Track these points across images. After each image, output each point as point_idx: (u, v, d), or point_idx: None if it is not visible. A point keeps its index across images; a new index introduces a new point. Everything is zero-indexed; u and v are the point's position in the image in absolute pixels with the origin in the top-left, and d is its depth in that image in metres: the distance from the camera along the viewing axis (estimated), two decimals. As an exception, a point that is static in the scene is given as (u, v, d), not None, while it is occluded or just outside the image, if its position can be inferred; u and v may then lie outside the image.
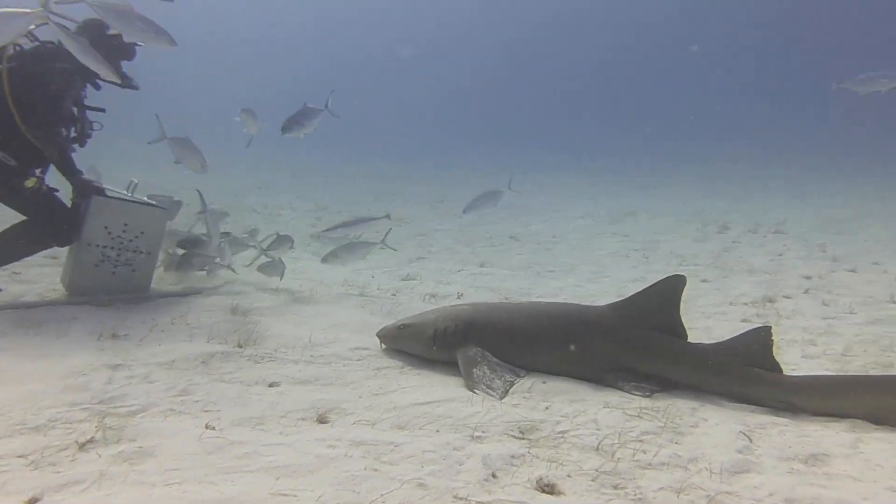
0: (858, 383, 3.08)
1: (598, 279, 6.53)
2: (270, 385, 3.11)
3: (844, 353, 4.18)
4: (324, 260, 5.28)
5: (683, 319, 5.00)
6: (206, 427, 2.52)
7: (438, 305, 4.82)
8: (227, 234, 5.48)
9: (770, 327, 3.31)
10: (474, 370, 3.29)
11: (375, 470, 2.31)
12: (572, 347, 3.47)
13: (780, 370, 3.28)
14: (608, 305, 3.63)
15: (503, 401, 3.13)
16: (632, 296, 3.55)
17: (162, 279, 5.18)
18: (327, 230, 5.73)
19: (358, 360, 3.58)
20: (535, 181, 18.48)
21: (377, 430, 2.67)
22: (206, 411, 2.69)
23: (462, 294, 5.50)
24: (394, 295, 5.39)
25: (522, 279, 6.31)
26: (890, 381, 3.05)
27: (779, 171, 19.21)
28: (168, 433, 2.46)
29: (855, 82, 8.97)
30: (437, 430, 2.72)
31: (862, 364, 3.97)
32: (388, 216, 5.74)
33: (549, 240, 8.93)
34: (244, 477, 2.17)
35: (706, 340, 4.47)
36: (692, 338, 4.62)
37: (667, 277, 3.46)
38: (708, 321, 5.07)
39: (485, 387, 3.20)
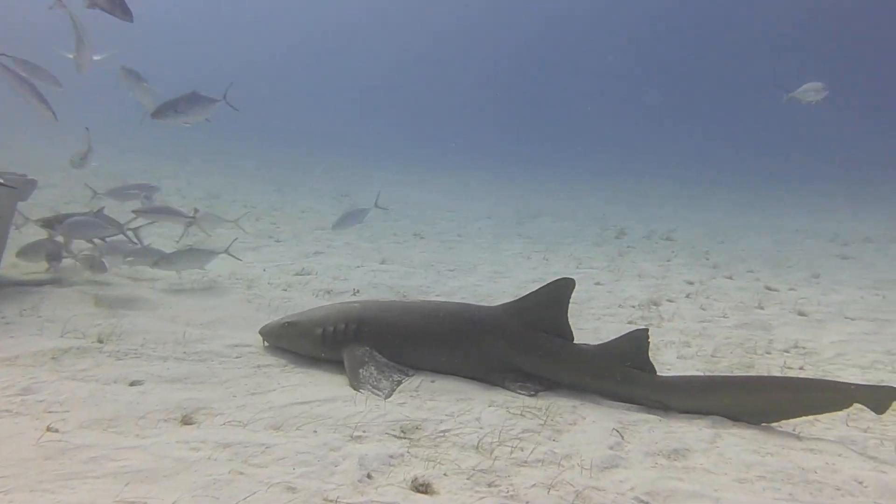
0: (720, 383, 3.38)
1: (498, 279, 6.70)
2: (132, 384, 2.90)
3: (714, 354, 4.57)
4: (154, 265, 4.73)
5: (572, 321, 5.30)
6: (48, 429, 2.30)
7: (332, 302, 4.73)
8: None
9: (647, 330, 3.54)
10: (360, 370, 3.26)
11: (241, 473, 2.22)
12: (462, 347, 3.54)
13: (654, 371, 3.52)
14: (499, 306, 3.73)
15: (389, 400, 3.12)
16: (522, 297, 3.67)
17: (15, 265, 4.68)
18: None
19: (237, 357, 3.42)
20: (444, 181, 18.70)
21: (249, 430, 2.57)
22: (49, 412, 2.46)
23: (358, 291, 5.43)
24: (285, 290, 5.22)
25: (423, 277, 6.35)
26: (746, 381, 3.37)
27: (675, 184, 20.70)
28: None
29: (801, 92, 10.04)
30: (315, 431, 2.67)
31: (727, 365, 4.35)
32: (194, 214, 5.27)
33: (455, 239, 9.06)
34: (87, 483, 2.01)
35: (594, 341, 4.71)
36: (582, 338, 4.87)
37: (556, 280, 3.60)
38: (597, 322, 5.35)
39: (371, 386, 3.18)
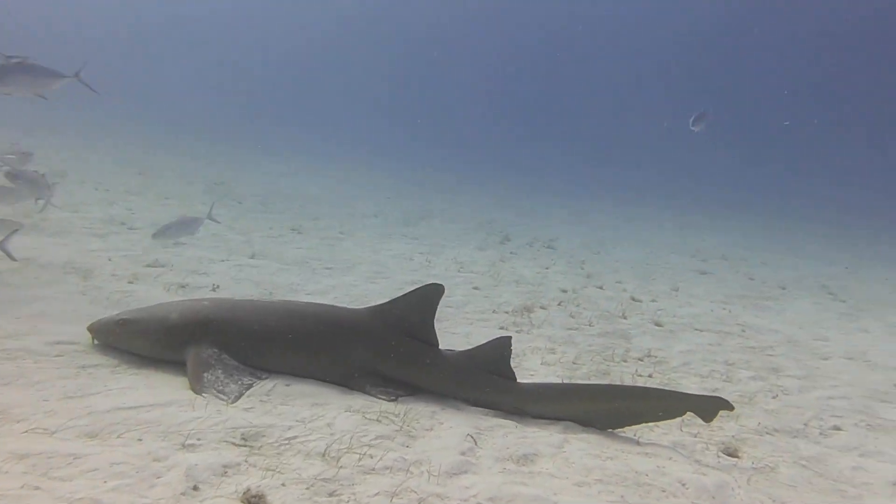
0: (573, 391, 3.57)
1: (376, 279, 6.65)
2: (-88, 385, 2.50)
3: (575, 361, 4.83)
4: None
5: (446, 325, 5.38)
6: None
7: (185, 298, 4.42)
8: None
9: (510, 337, 3.65)
10: (205, 373, 3.06)
11: (37, 488, 1.99)
12: (324, 350, 3.45)
13: (515, 378, 3.64)
14: (365, 309, 3.68)
15: (234, 405, 2.96)
16: (390, 301, 3.64)
17: None
18: None
19: (57, 356, 3.08)
20: (336, 175, 18.32)
21: (56, 439, 2.31)
22: None
23: (218, 286, 5.13)
24: (130, 283, 4.80)
25: (295, 274, 6.13)
26: (596, 389, 3.59)
27: (564, 196, 21.78)
28: None
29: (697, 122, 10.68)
30: (140, 439, 2.45)
31: (586, 371, 4.62)
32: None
33: (336, 235, 8.87)
34: None
35: (465, 346, 4.81)
36: (453, 343, 4.94)
37: (425, 286, 3.61)
38: (470, 327, 5.46)
39: (215, 390, 2.99)
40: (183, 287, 4.93)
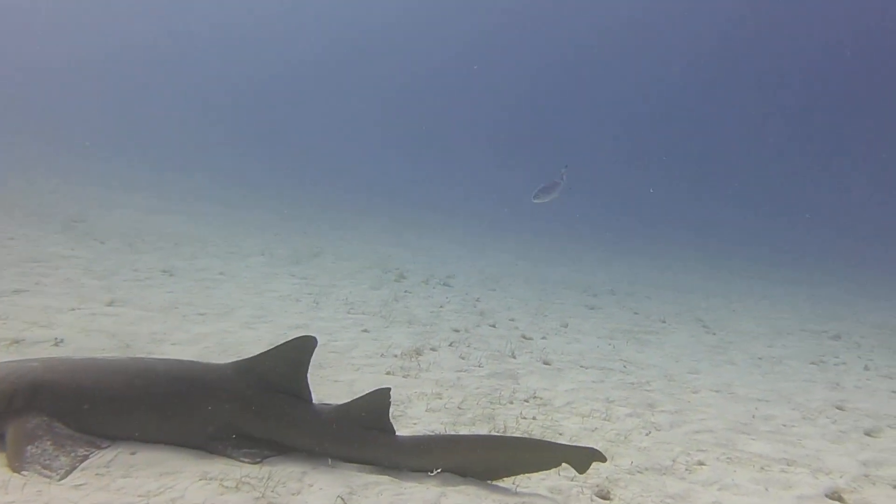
0: (452, 442, 3.57)
1: (256, 325, 6.36)
2: None
3: (460, 405, 4.85)
4: None
5: (329, 372, 5.24)
6: None
7: (22, 357, 3.98)
8: None
9: (389, 389, 3.58)
10: (29, 447, 2.74)
11: None
12: (179, 411, 3.21)
13: (393, 431, 3.58)
14: (229, 364, 3.50)
15: (62, 482, 2.66)
16: (258, 355, 3.48)
17: None
18: None
19: None
20: (218, 212, 17.59)
21: None
22: None
23: (63, 340, 4.66)
24: (-49, 339, 4.26)
25: (160, 322, 5.72)
26: (474, 440, 3.62)
27: (461, 231, 22.27)
28: None
29: (543, 193, 10.28)
30: (-66, 537, 2.13)
31: (471, 416, 4.65)
32: None
33: (215, 277, 8.42)
34: None
35: (348, 394, 4.69)
36: (336, 391, 4.82)
37: (296, 338, 3.49)
38: (355, 374, 5.35)
39: (39, 466, 2.68)
40: (17, 343, 4.41)
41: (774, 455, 4.44)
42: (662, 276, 16.88)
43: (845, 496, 3.77)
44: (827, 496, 3.76)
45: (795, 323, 11.68)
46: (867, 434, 5.28)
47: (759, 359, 8.29)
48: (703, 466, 4.07)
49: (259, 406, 3.38)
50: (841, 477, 4.12)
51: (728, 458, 4.30)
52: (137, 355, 4.57)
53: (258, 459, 3.27)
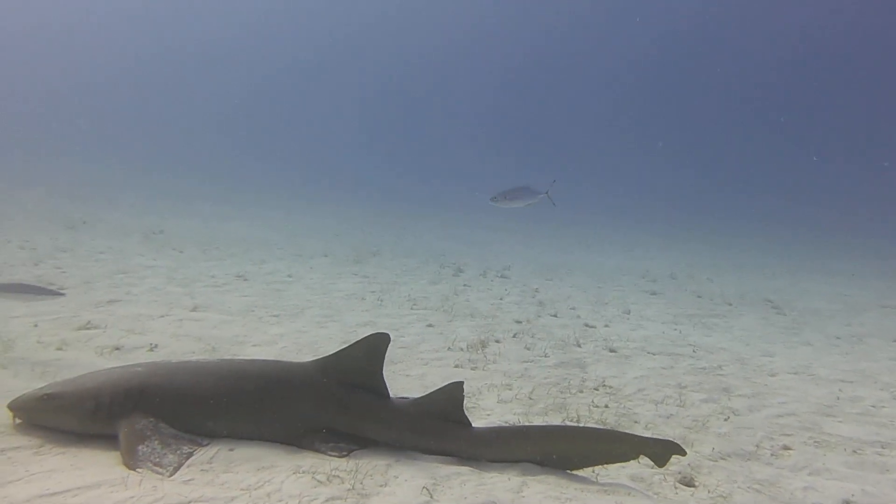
0: (528, 433, 3.56)
1: (326, 324, 6.51)
2: None
3: (531, 395, 4.82)
4: None
5: (400, 367, 5.31)
6: None
7: (123, 362, 4.21)
8: None
9: (462, 382, 3.60)
10: (140, 447, 2.90)
11: None
12: (269, 409, 3.33)
13: (469, 424, 3.59)
14: (310, 363, 3.59)
15: (173, 478, 2.80)
16: (336, 353, 3.57)
17: None
18: None
19: (-28, 440, 2.85)
20: (279, 217, 18.07)
21: (-33, 541, 2.12)
22: None
23: (157, 345, 4.91)
24: (59, 349, 4.53)
25: (239, 325, 5.94)
26: (552, 430, 3.59)
27: (511, 221, 22.11)
28: None
29: (503, 197, 8.65)
30: (65, 530, 2.28)
31: (543, 406, 4.62)
32: None
33: (283, 280, 8.68)
34: None
35: (419, 388, 4.76)
36: (408, 385, 4.89)
37: (370, 335, 3.55)
38: (424, 368, 5.40)
39: (151, 464, 2.83)
40: (117, 349, 4.68)
41: (866, 438, 4.21)
42: (722, 258, 16.29)
43: (949, 479, 3.55)
44: (928, 479, 3.55)
45: (872, 299, 11.06)
46: (965, 413, 4.95)
47: (838, 338, 7.88)
48: (790, 451, 3.91)
49: (342, 402, 3.46)
50: (942, 459, 3.87)
51: (816, 441, 4.11)
52: (224, 357, 4.77)
53: (345, 453, 3.35)
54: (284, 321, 6.36)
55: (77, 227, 11.21)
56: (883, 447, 4.08)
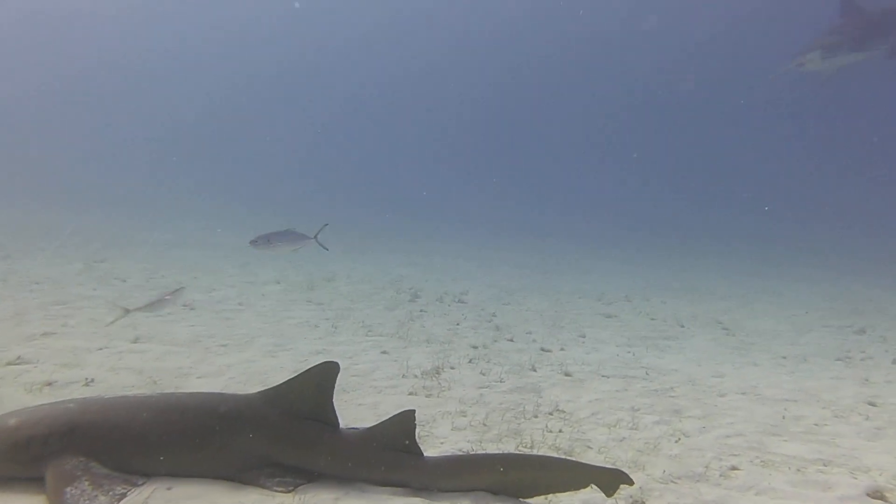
0: (480, 462, 3.55)
1: (277, 353, 6.38)
2: None
3: (485, 422, 4.82)
4: None
5: (352, 396, 5.24)
6: None
7: (55, 399, 4.02)
8: None
9: (413, 411, 3.58)
10: (68, 489, 2.76)
11: None
12: (211, 444, 3.24)
13: (421, 453, 3.57)
14: (256, 394, 3.52)
15: (103, 521, 2.67)
16: (283, 383, 3.51)
17: None
18: None
19: None
20: (229, 243, 17.74)
21: None
22: None
23: (93, 380, 4.71)
24: (-15, 384, 4.31)
25: (185, 356, 5.76)
26: (504, 459, 3.59)
27: (463, 247, 22.27)
28: None
29: (266, 241, 7.43)
30: (-20, 583, 2.14)
31: (497, 433, 4.62)
32: None
33: (234, 308, 8.47)
34: None
35: (372, 417, 4.70)
36: (360, 415, 4.82)
37: (320, 364, 3.52)
38: (378, 396, 5.34)
39: (79, 507, 2.70)
40: (49, 385, 4.47)
41: (809, 456, 4.37)
42: (676, 280, 16.75)
43: (887, 494, 3.70)
44: (868, 495, 3.69)
45: (816, 319, 11.54)
46: (902, 429, 5.19)
47: (783, 358, 8.19)
48: (738, 471, 4.02)
49: (288, 434, 3.39)
50: (881, 475, 4.04)
51: (762, 461, 4.24)
52: (165, 391, 4.60)
53: (291, 488, 3.27)
54: (233, 351, 6.20)
55: (12, 256, 10.72)
56: (825, 465, 4.23)
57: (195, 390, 4.49)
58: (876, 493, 3.70)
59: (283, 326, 7.73)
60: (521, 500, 3.47)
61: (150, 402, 3.31)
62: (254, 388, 4.94)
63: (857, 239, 29.75)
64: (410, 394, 5.47)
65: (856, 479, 3.98)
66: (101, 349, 5.68)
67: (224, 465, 3.28)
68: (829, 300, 14.42)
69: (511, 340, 8.19)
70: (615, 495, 3.44)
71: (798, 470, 4.11)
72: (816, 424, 5.25)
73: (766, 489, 3.75)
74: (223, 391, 4.40)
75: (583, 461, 3.67)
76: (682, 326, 10.12)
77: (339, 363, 3.54)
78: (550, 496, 3.52)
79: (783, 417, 5.40)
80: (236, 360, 5.91)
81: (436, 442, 4.37)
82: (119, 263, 11.30)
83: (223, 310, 8.24)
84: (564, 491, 3.49)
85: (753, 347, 8.80)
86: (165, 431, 3.18)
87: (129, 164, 37.07)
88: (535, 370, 6.67)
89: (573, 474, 3.44)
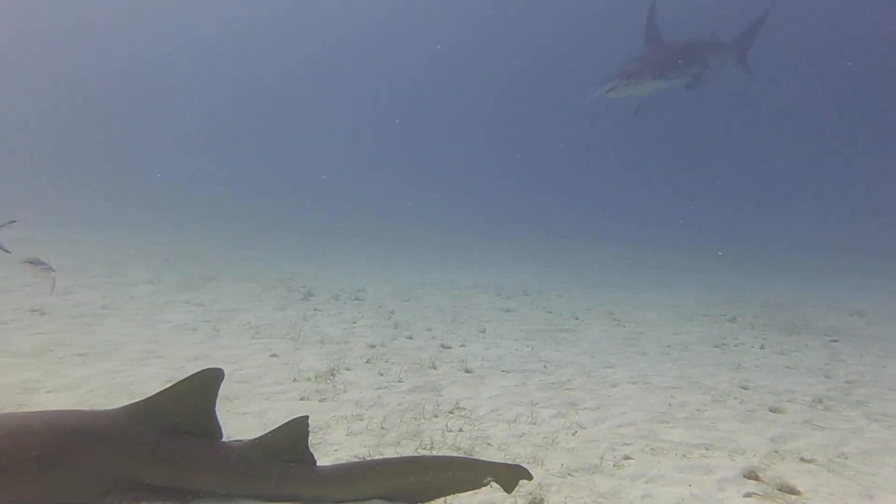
0: (375, 468, 3.45)
1: (148, 361, 5.88)
2: None
3: (383, 425, 4.73)
4: None
5: (237, 404, 4.94)
6: None
7: None
8: None
9: (307, 417, 3.42)
10: None
11: None
12: (61, 468, 2.88)
13: (314, 462, 3.41)
14: (122, 409, 3.19)
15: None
16: (155, 395, 3.20)
17: None
18: None
19: None
20: (91, 239, 16.32)
21: None
22: None
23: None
24: None
25: (31, 369, 5.13)
26: (399, 463, 3.53)
27: (365, 241, 22.01)
28: None
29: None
30: None
31: (395, 436, 4.53)
32: None
33: (96, 312, 7.71)
34: None
35: (259, 426, 4.44)
36: (246, 424, 4.54)
37: (200, 371, 3.25)
38: (265, 403, 5.08)
39: None
40: None
41: (693, 441, 4.68)
42: (569, 273, 17.54)
43: (760, 474, 4.03)
44: (745, 476, 4.00)
45: (695, 308, 12.51)
46: (772, 411, 5.71)
47: (668, 346, 8.78)
48: (630, 461, 4.21)
49: (159, 451, 3.10)
50: (754, 455, 4.40)
51: (651, 449, 4.48)
52: (5, 410, 4.08)
53: (160, 513, 2.99)
54: (92, 361, 5.62)
55: None
56: (707, 449, 4.55)
57: (45, 408, 4.01)
58: (751, 474, 4.03)
59: (156, 331, 7.15)
60: (419, 504, 3.41)
61: (-16, 425, 2.89)
62: (117, 401, 4.50)
63: (736, 231, 32.75)
64: (302, 399, 5.25)
65: (733, 461, 4.31)
66: (-76, 364, 4.93)
67: (80, 492, 2.94)
68: (705, 289, 15.73)
69: (410, 338, 8.14)
70: (515, 492, 3.47)
71: (684, 455, 4.38)
72: (698, 410, 5.65)
73: (656, 476, 3.96)
74: (78, 407, 3.98)
75: (482, 459, 3.68)
76: (577, 319, 10.58)
77: (223, 369, 3.29)
78: (450, 498, 3.49)
79: (669, 405, 5.76)
80: (96, 370, 5.36)
81: (330, 450, 4.21)
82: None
83: (82, 315, 7.48)
84: (464, 491, 3.47)
85: (641, 337, 9.36)
86: (6, 457, 2.78)
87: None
88: (435, 368, 6.65)
89: (472, 473, 3.43)
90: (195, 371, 3.23)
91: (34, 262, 6.19)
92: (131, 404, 3.21)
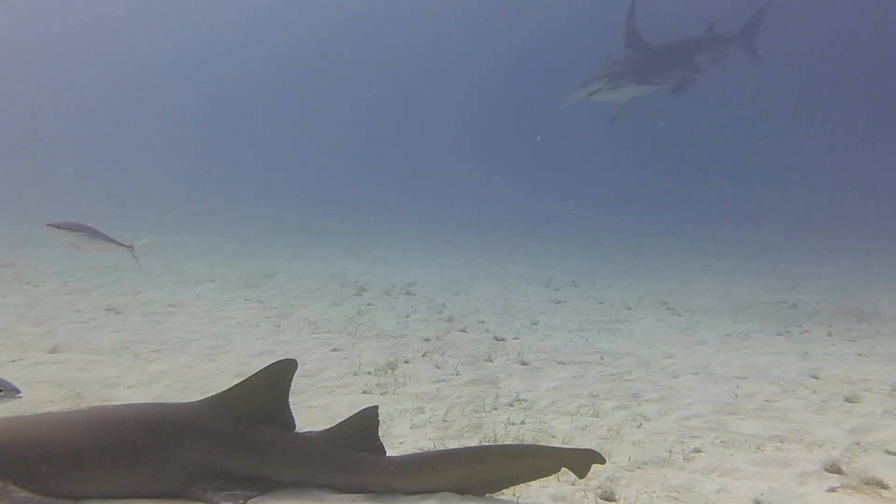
0: (444, 458, 3.43)
1: (216, 356, 6.05)
2: None
3: (445, 418, 4.72)
4: None
5: (301, 398, 5.01)
6: None
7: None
8: None
9: (376, 407, 3.44)
10: (-20, 521, 2.46)
11: None
12: (149, 459, 2.98)
13: (384, 452, 3.42)
14: (202, 401, 3.27)
15: (25, 558, 2.39)
16: (233, 387, 3.28)
17: None
18: None
19: None
20: (156, 239, 16.89)
21: None
22: None
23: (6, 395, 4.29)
24: None
25: (111, 365, 5.35)
26: (468, 453, 3.49)
27: (410, 236, 22.12)
28: None
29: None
30: None
31: (458, 428, 4.52)
32: None
33: (164, 310, 7.99)
34: None
35: (324, 419, 4.50)
36: (312, 417, 4.61)
37: (274, 363, 3.31)
38: (329, 397, 5.14)
39: (-4, 543, 2.41)
40: (-48, 404, 4.03)
41: (765, 433, 4.49)
42: (619, 263, 17.19)
43: (843, 467, 3.83)
44: (826, 469, 3.81)
45: (752, 295, 12.08)
46: (848, 401, 5.44)
47: (728, 335, 8.49)
48: (700, 454, 4.07)
49: (238, 441, 3.17)
50: (834, 448, 4.20)
51: (722, 441, 4.32)
52: (92, 404, 4.25)
53: (240, 501, 3.06)
54: (166, 357, 5.82)
55: None
56: (781, 441, 4.36)
57: (126, 402, 4.16)
58: (833, 467, 3.83)
59: (221, 328, 7.35)
60: (488, 495, 3.38)
61: (77, 417, 3.01)
62: (193, 395, 4.64)
63: (772, 213, 31.42)
64: (364, 392, 5.30)
65: (812, 453, 4.12)
66: (13, 362, 5.20)
67: (164, 480, 3.03)
68: (761, 276, 15.14)
69: (463, 331, 8.12)
70: (586, 481, 3.41)
71: (757, 448, 4.21)
72: (768, 400, 5.43)
73: (730, 470, 3.82)
74: (159, 401, 4.10)
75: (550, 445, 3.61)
76: (630, 309, 10.36)
77: (296, 360, 3.35)
78: (519, 489, 3.45)
79: (736, 396, 5.56)
80: (171, 366, 5.54)
81: (394, 442, 4.22)
82: (28, 266, 10.47)
83: (152, 312, 7.76)
84: (534, 479, 3.41)
85: (699, 326, 9.09)
86: (96, 448, 2.89)
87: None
88: (490, 361, 6.61)
89: (543, 460, 3.37)
90: (268, 364, 3.29)
91: (111, 241, 6.66)
92: (211, 396, 3.29)
